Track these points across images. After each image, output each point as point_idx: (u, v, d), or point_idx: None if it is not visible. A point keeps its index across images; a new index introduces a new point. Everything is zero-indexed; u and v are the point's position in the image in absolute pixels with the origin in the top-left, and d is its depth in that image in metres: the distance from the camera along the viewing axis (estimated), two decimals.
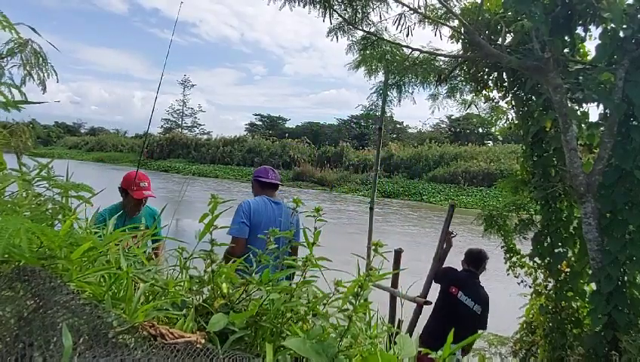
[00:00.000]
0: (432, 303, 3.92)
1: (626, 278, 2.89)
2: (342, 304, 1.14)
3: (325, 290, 1.28)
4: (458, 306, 3.66)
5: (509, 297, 4.85)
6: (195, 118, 54.12)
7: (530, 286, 4.22)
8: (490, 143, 35.27)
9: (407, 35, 4.20)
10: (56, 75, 2.28)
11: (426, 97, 5.13)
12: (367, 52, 4.81)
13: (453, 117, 40.27)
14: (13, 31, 1.87)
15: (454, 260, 4.12)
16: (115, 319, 0.91)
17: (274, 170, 3.33)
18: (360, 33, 4.70)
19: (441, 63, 4.60)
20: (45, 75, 2.22)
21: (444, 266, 4.07)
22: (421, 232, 14.80)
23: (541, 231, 3.63)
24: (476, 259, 3.88)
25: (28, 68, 2.13)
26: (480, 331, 3.76)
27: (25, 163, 1.44)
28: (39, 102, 1.49)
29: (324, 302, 1.22)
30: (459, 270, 3.94)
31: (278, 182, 3.24)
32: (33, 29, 2.01)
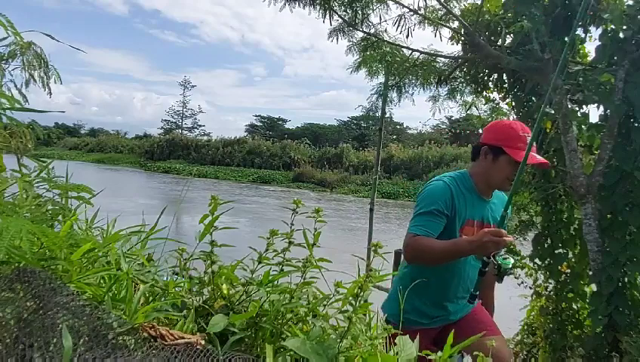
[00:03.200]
0: None
1: (626, 279, 2.88)
2: (342, 305, 1.14)
3: (325, 291, 1.28)
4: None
5: (510, 299, 4.84)
6: (196, 119, 54.21)
7: (530, 288, 4.21)
8: None
9: (407, 37, 4.21)
10: (59, 77, 2.29)
11: (426, 98, 5.14)
12: (368, 53, 4.81)
13: (453, 118, 40.30)
14: (17, 35, 1.87)
15: None
16: (115, 320, 0.91)
17: None
18: (360, 34, 4.71)
19: (441, 65, 4.61)
20: (47, 77, 2.22)
21: None
22: None
23: (541, 233, 3.63)
24: None
25: (30, 70, 2.14)
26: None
27: (25, 164, 1.44)
28: (44, 111, 1.50)
29: (325, 303, 1.22)
30: None
31: None
32: (51, 36, 2.01)
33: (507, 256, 1.67)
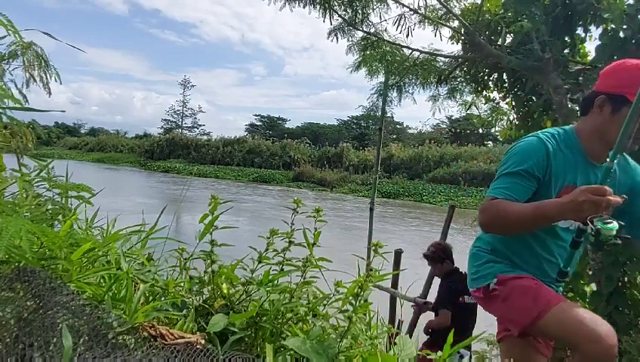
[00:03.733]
0: (432, 303, 3.88)
1: (626, 279, 2.89)
2: (342, 305, 1.14)
3: (325, 291, 1.28)
4: (473, 310, 3.55)
5: None
6: (196, 118, 54.21)
7: None
8: (490, 144, 35.25)
9: (408, 36, 4.22)
10: (59, 77, 2.29)
11: (426, 98, 5.15)
12: (368, 53, 4.81)
13: (453, 117, 40.29)
14: (17, 35, 1.87)
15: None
16: (115, 320, 0.91)
17: None
18: (360, 34, 4.71)
19: (441, 64, 4.61)
20: (47, 77, 2.22)
21: (441, 294, 3.64)
22: (421, 233, 14.79)
23: None
24: (451, 251, 3.68)
25: (30, 70, 2.14)
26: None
27: (25, 163, 1.44)
28: (44, 110, 1.50)
29: (325, 302, 1.22)
30: (449, 277, 3.61)
31: None
32: (48, 34, 2.01)
33: (611, 219, 1.26)
